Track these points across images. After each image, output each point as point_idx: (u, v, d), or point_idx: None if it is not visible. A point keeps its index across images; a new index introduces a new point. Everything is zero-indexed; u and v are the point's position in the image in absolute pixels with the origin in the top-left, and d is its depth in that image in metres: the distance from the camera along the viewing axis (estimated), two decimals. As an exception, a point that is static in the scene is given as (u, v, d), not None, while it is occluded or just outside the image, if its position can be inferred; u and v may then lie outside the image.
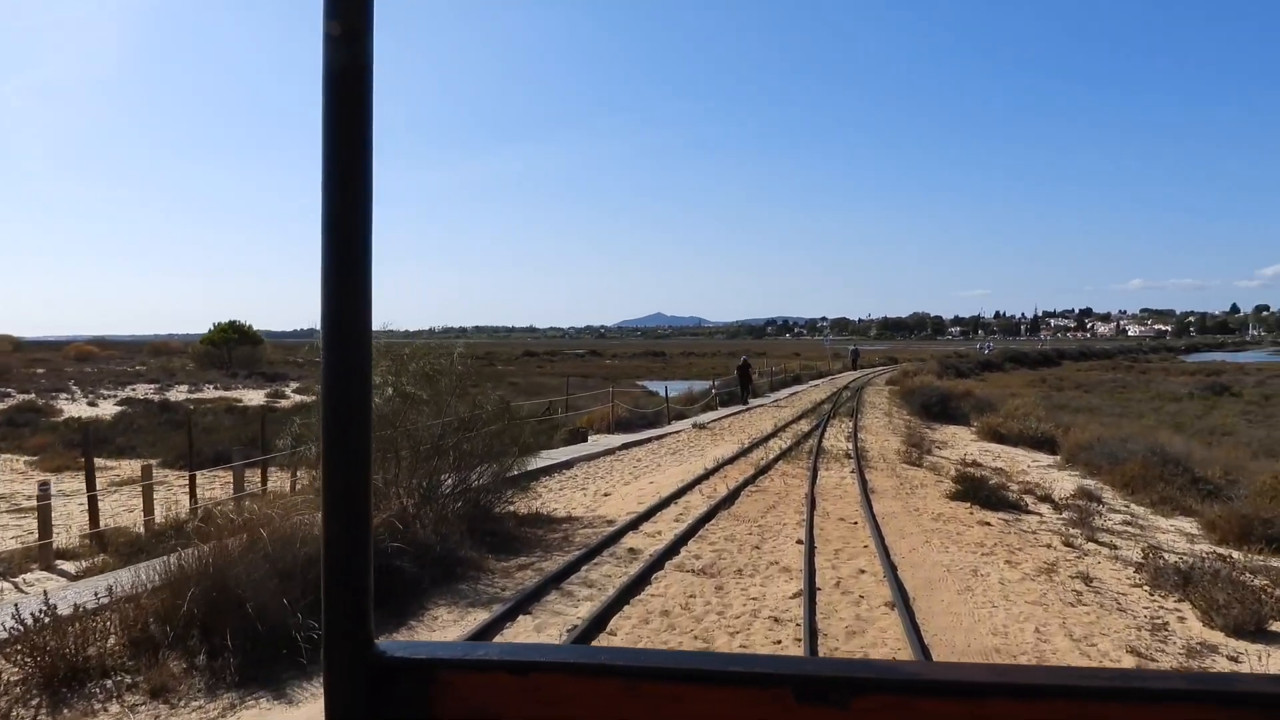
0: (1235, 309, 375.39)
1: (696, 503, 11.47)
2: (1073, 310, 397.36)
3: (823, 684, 0.89)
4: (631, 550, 9.01)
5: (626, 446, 18.42)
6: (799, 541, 9.28)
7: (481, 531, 9.53)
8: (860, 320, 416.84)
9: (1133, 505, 13.61)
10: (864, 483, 13.09)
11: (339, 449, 0.87)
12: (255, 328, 56.73)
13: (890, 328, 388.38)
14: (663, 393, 45.72)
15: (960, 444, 20.70)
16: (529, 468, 12.66)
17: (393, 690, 0.90)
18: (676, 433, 21.17)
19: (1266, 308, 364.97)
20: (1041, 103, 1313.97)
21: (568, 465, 15.78)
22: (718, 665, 0.93)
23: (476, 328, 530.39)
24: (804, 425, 22.15)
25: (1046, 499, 13.06)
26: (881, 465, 15.31)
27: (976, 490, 12.35)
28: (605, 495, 12.86)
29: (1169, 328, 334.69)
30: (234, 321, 54.59)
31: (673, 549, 8.93)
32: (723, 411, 27.21)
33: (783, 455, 16.05)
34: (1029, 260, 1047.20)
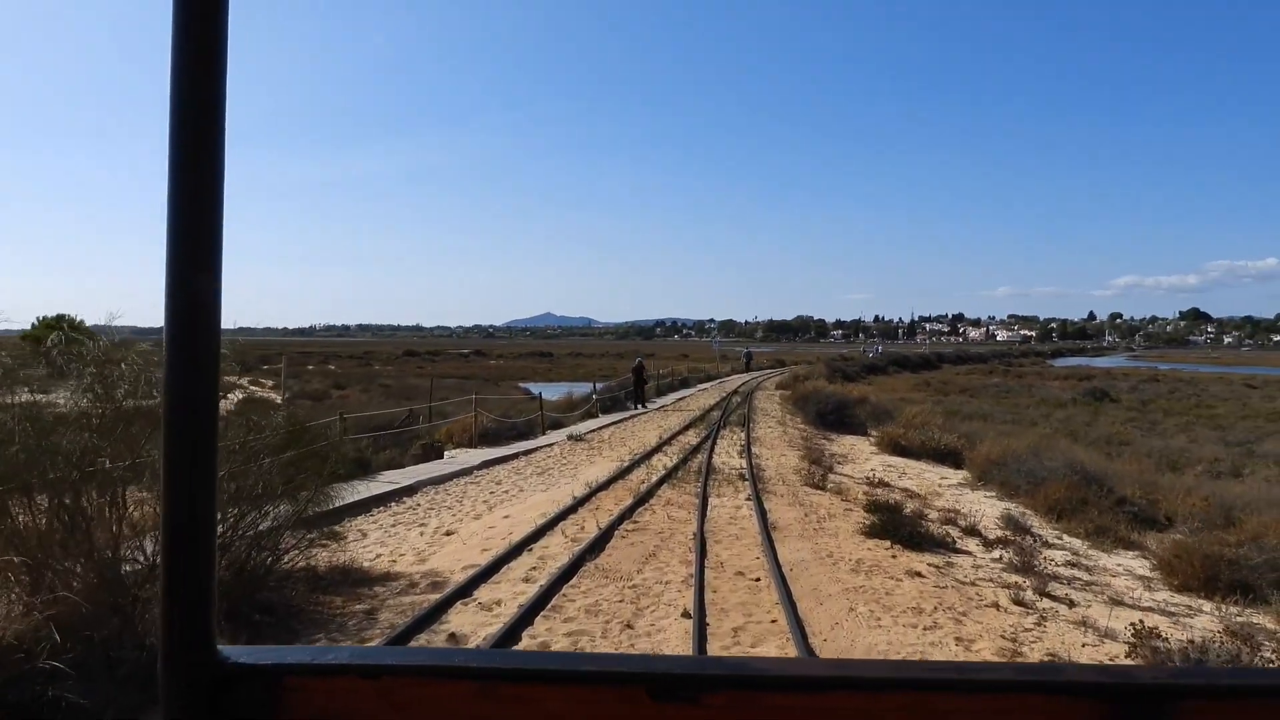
0: (1092, 316, 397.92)
1: (556, 549, 8.96)
2: (946, 315, 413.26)
3: (674, 681, 0.91)
4: (453, 638, 6.43)
5: (488, 465, 15.77)
6: (685, 614, 6.90)
7: (252, 606, 6.79)
8: (747, 322, 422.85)
9: (1066, 537, 11.84)
10: (763, 515, 10.86)
11: (180, 448, 0.85)
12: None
13: (776, 330, 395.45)
14: (547, 395, 43.19)
15: (861, 458, 18.87)
16: (349, 499, 9.99)
17: (236, 698, 0.89)
18: (549, 446, 18.62)
19: (1119, 315, 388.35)
20: (916, 114, 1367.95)
21: (410, 491, 13.04)
22: (572, 665, 0.94)
23: (360, 326, 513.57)
24: (692, 437, 19.94)
25: (972, 531, 11.14)
26: (781, 489, 13.16)
27: (895, 524, 10.29)
28: (447, 535, 10.23)
29: (1034, 333, 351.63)
30: (62, 315, 48.84)
31: (512, 631, 6.41)
32: (604, 420, 24.79)
33: (668, 476, 13.72)
34: (907, 267, 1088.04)
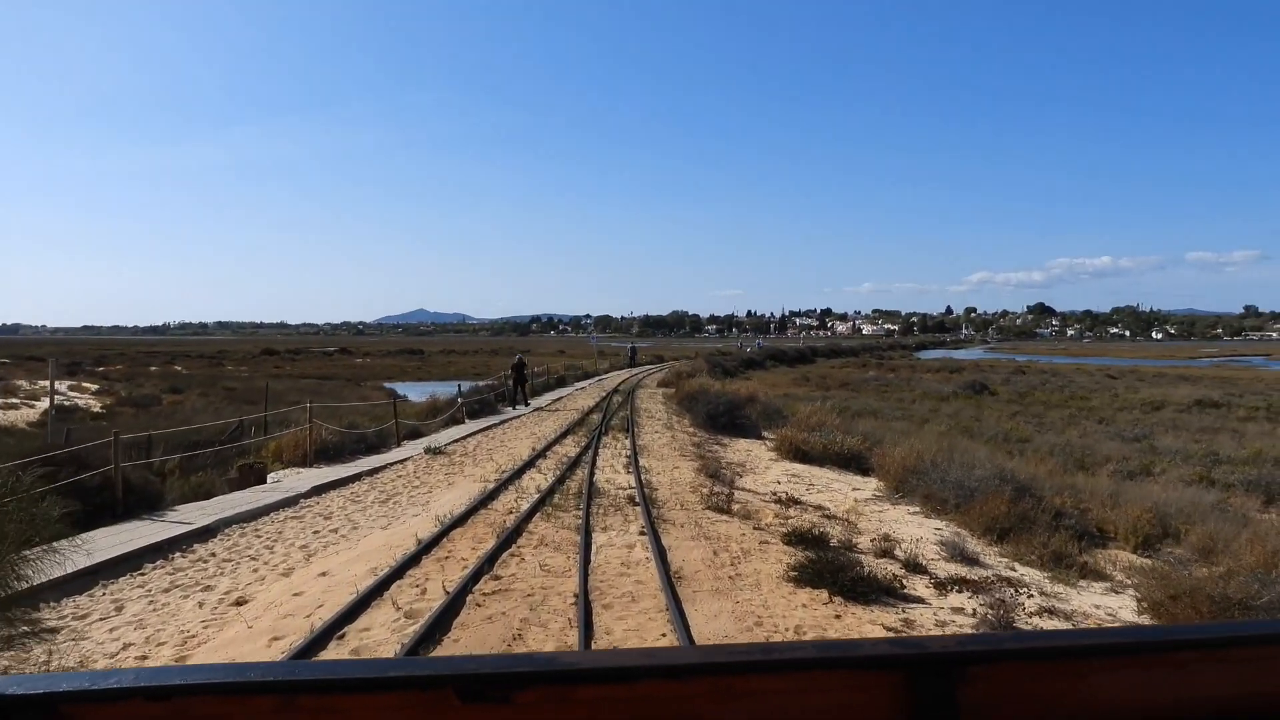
0: (949, 310, 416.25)
1: (381, 634, 6.30)
2: (815, 310, 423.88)
3: (483, 681, 0.91)
4: None
5: (320, 491, 12.85)
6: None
7: None
8: (623, 318, 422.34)
9: (1020, 566, 9.96)
10: (663, 557, 8.49)
11: None
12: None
13: (651, 325, 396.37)
14: (414, 396, 39.89)
15: (760, 466, 16.81)
16: (118, 551, 7.17)
17: None
18: (401, 463, 15.78)
19: (974, 309, 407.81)
20: (782, 117, 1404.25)
21: (207, 534, 10.06)
22: (377, 672, 0.92)
23: (220, 324, 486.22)
24: (571, 446, 17.44)
25: (916, 566, 9.09)
26: (679, 514, 10.83)
27: (828, 565, 8.10)
28: (237, 605, 7.42)
29: (896, 326, 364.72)
30: None
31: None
32: (471, 426, 21.97)
33: (542, 502, 11.17)
34: (777, 263, 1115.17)
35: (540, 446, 17.17)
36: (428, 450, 16.75)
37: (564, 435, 19.32)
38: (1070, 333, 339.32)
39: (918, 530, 11.43)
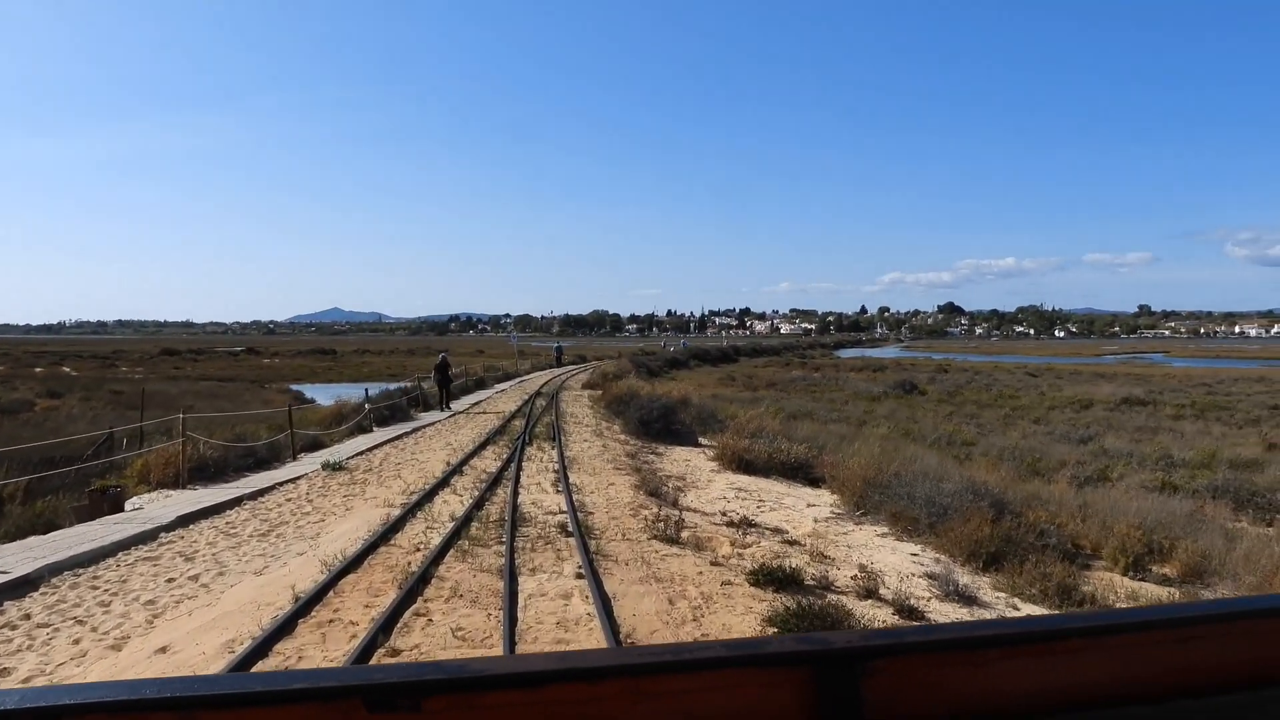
0: (864, 309, 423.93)
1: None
2: (734, 309, 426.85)
3: (392, 690, 0.89)
4: None
5: (188, 520, 10.73)
6: None
7: None
8: (543, 317, 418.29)
9: (1020, 603, 8.56)
10: (608, 611, 6.78)
11: None
12: None
13: (572, 324, 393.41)
14: (321, 400, 37.33)
15: (703, 479, 15.22)
16: None
17: None
18: (294, 480, 13.68)
19: (887, 308, 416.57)
20: (698, 115, 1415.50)
21: (25, 587, 7.94)
22: (282, 684, 0.90)
23: (120, 322, 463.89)
24: (491, 459, 15.55)
25: (907, 609, 7.57)
26: (621, 547, 9.12)
27: (810, 616, 6.55)
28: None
29: (813, 325, 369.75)
30: None
31: None
32: (379, 435, 19.84)
33: (457, 534, 9.32)
34: (696, 262, 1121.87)
35: (456, 460, 15.24)
36: (326, 466, 14.65)
37: (483, 445, 17.40)
38: (979, 331, 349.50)
39: (894, 558, 9.97)
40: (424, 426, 21.77)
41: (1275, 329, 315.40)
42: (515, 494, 11.86)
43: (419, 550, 8.71)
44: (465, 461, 15.10)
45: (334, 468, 14.57)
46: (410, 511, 10.62)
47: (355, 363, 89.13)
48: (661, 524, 9.88)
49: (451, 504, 11.26)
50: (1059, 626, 1.17)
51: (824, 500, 13.91)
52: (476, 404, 28.88)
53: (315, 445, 18.03)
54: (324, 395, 40.86)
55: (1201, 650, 1.18)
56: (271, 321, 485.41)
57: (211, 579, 8.14)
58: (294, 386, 56.21)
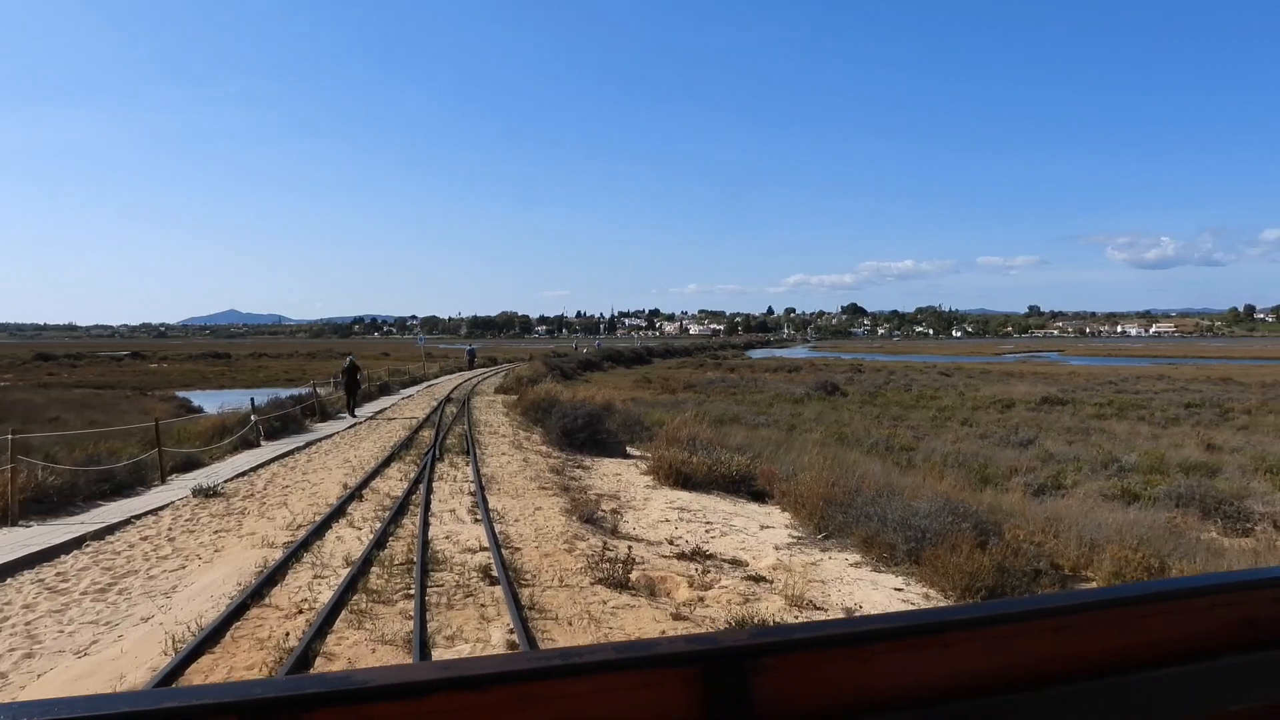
0: (770, 310, 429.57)
1: None
2: (643, 310, 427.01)
3: (270, 706, 0.86)
4: None
5: (6, 571, 8.50)
6: None
7: None
8: (451, 318, 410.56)
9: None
10: None
11: None
12: None
13: (480, 326, 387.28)
14: (209, 408, 34.38)
15: (638, 496, 13.55)
16: None
17: None
18: (156, 512, 11.44)
19: (793, 309, 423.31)
20: (604, 116, 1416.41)
21: None
22: (150, 704, 0.85)
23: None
24: (395, 480, 13.55)
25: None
26: (562, 600, 7.36)
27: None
28: None
29: (722, 326, 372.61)
30: None
31: None
32: (266, 451, 17.52)
33: (351, 587, 7.43)
34: (605, 264, 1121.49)
35: (355, 481, 13.20)
36: (198, 491, 12.42)
37: (387, 462, 15.36)
38: (881, 331, 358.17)
39: (878, 594, 8.50)
40: (320, 439, 19.50)
41: (1153, 328, 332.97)
42: (425, 525, 9.98)
43: (301, 612, 6.80)
44: (366, 483, 13.07)
45: (207, 494, 12.36)
46: (295, 554, 8.64)
47: (251, 367, 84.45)
48: (606, 563, 8.16)
49: (347, 541, 9.31)
50: (941, 619, 1.21)
51: (777, 520, 12.42)
52: (381, 412, 26.55)
53: (191, 464, 15.66)
54: (214, 403, 37.73)
55: (1075, 638, 1.24)
56: (163, 324, 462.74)
57: (14, 664, 6.07)
58: (181, 393, 52.17)
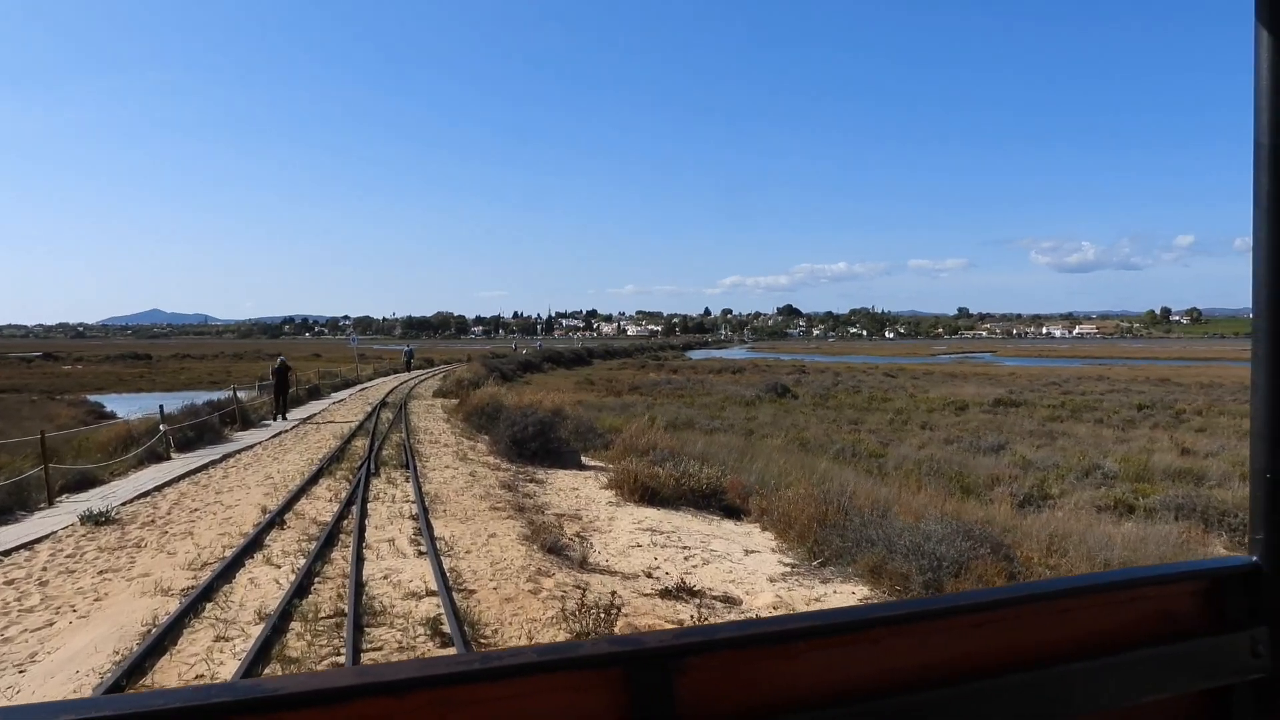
0: (708, 311, 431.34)
1: None
2: (581, 311, 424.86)
3: (177, 717, 0.84)
4: None
5: None
6: None
7: None
8: (384, 319, 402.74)
9: None
10: None
11: None
12: None
13: (415, 326, 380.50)
14: (124, 414, 31.91)
15: (602, 515, 12.08)
16: None
17: None
18: (32, 546, 9.57)
19: (730, 310, 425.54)
20: (542, 117, 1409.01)
21: None
22: (48, 715, 0.82)
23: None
24: (324, 501, 11.82)
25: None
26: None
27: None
28: None
29: (659, 327, 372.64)
30: None
31: None
32: (178, 464, 15.57)
33: (263, 653, 5.84)
34: (542, 264, 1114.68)
35: (277, 503, 11.45)
36: (87, 517, 10.56)
37: (315, 478, 13.61)
38: (816, 332, 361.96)
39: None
40: (240, 451, 17.57)
41: (1076, 330, 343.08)
42: (359, 561, 8.37)
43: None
44: (289, 505, 11.34)
45: (99, 520, 10.52)
46: (195, 605, 6.97)
47: (173, 369, 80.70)
48: (582, 610, 6.67)
49: (262, 585, 7.66)
50: (865, 617, 1.20)
51: (760, 542, 11.07)
52: (310, 418, 24.54)
53: (87, 482, 13.70)
54: (130, 408, 35.13)
55: (996, 633, 1.25)
56: (81, 324, 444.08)
57: None
58: (94, 398, 49.07)
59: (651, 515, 12.27)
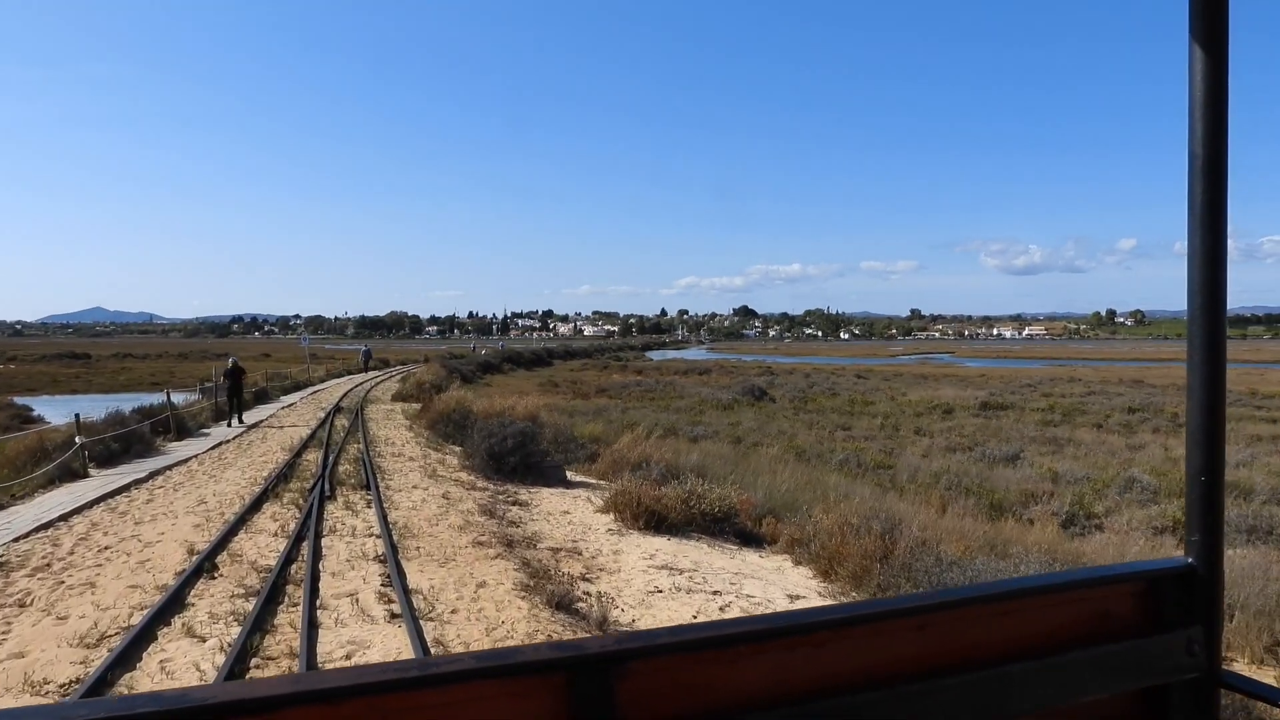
0: (664, 312, 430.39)
1: None
2: (537, 311, 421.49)
3: None
4: None
5: None
6: None
7: None
8: (337, 318, 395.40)
9: None
10: None
11: None
12: None
13: (368, 326, 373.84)
14: (54, 419, 29.40)
15: (605, 549, 10.12)
16: None
17: None
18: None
19: (686, 311, 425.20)
20: (499, 114, 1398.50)
21: None
22: None
23: None
24: (267, 535, 9.68)
25: None
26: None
27: None
28: None
29: (616, 328, 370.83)
30: None
31: None
32: (94, 485, 13.26)
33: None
34: (498, 264, 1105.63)
35: (209, 539, 9.33)
36: (-35, 562, 8.36)
37: (259, 502, 11.46)
38: (772, 333, 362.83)
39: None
40: (172, 466, 15.29)
41: (1026, 331, 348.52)
42: (311, 630, 6.34)
43: None
44: (224, 541, 9.22)
45: (-21, 565, 8.32)
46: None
47: (112, 369, 76.91)
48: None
49: (178, 673, 5.58)
50: (806, 621, 1.21)
51: (798, 581, 9.21)
52: (256, 425, 22.19)
53: (-21, 508, 11.40)
54: (63, 411, 32.35)
55: (936, 635, 1.26)
56: (19, 322, 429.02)
57: None
58: (23, 400, 45.79)
59: (662, 547, 10.36)
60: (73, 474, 14.10)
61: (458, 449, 17.09)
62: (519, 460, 14.37)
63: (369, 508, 11.13)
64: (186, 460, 15.92)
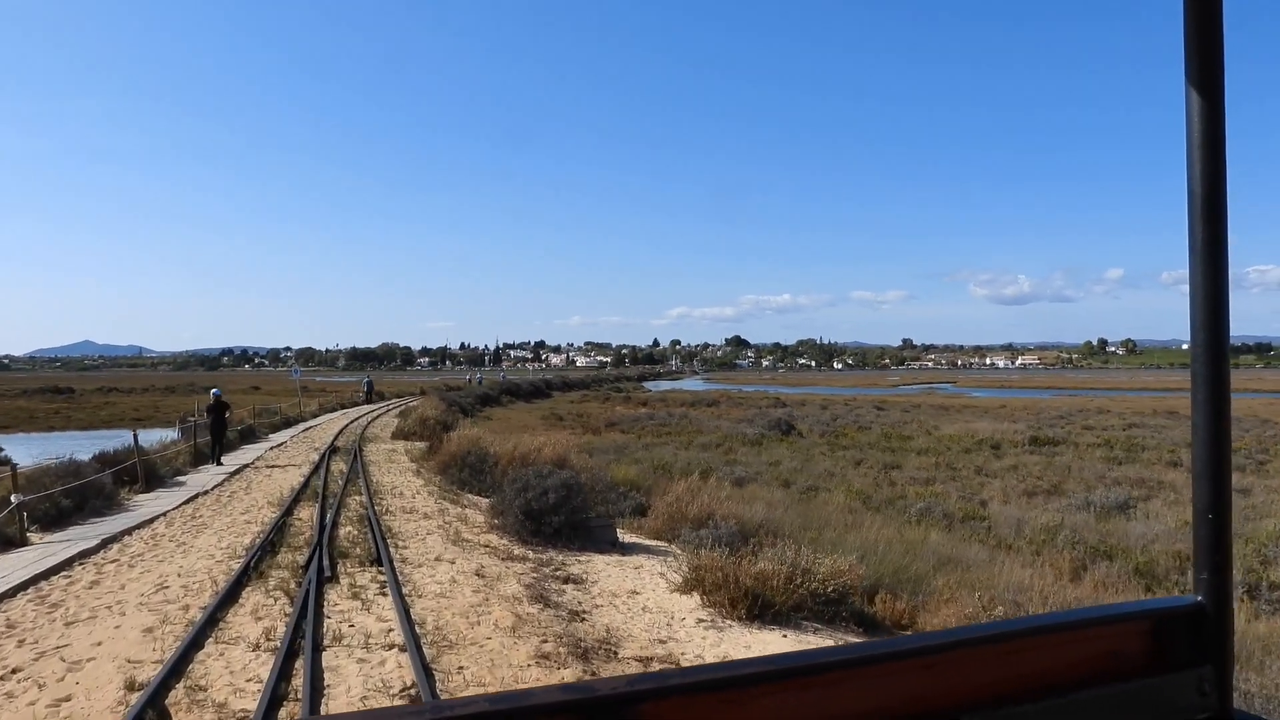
0: (656, 342, 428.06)
1: None
2: (529, 342, 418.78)
3: None
4: None
5: None
6: None
7: None
8: (328, 350, 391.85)
9: None
10: None
11: None
12: None
13: (360, 358, 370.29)
14: (22, 461, 26.55)
15: (710, 657, 7.44)
16: None
17: None
18: None
19: (678, 341, 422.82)
20: (478, 136, 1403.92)
21: None
22: None
23: None
24: (243, 648, 6.93)
25: None
26: None
27: None
28: None
29: (608, 358, 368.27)
30: None
31: None
32: (29, 559, 10.46)
33: None
34: (489, 295, 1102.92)
35: (162, 655, 6.61)
36: None
37: (236, 587, 8.73)
38: (765, 363, 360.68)
39: None
40: (134, 528, 12.51)
41: (1019, 360, 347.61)
42: None
43: None
44: (185, 658, 6.50)
45: None
46: None
47: (95, 404, 73.86)
48: None
49: None
50: (818, 661, 1.19)
51: None
52: (239, 471, 19.39)
53: None
54: (35, 450, 29.54)
55: (945, 675, 1.23)
56: (6, 356, 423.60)
57: None
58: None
59: (778, 645, 7.67)
60: (7, 542, 11.31)
61: (478, 499, 14.37)
62: (564, 520, 11.65)
63: (383, 594, 8.39)
64: (152, 520, 13.12)
